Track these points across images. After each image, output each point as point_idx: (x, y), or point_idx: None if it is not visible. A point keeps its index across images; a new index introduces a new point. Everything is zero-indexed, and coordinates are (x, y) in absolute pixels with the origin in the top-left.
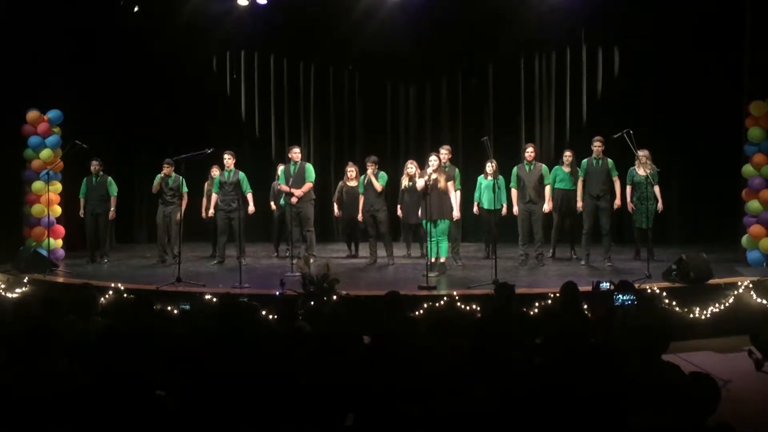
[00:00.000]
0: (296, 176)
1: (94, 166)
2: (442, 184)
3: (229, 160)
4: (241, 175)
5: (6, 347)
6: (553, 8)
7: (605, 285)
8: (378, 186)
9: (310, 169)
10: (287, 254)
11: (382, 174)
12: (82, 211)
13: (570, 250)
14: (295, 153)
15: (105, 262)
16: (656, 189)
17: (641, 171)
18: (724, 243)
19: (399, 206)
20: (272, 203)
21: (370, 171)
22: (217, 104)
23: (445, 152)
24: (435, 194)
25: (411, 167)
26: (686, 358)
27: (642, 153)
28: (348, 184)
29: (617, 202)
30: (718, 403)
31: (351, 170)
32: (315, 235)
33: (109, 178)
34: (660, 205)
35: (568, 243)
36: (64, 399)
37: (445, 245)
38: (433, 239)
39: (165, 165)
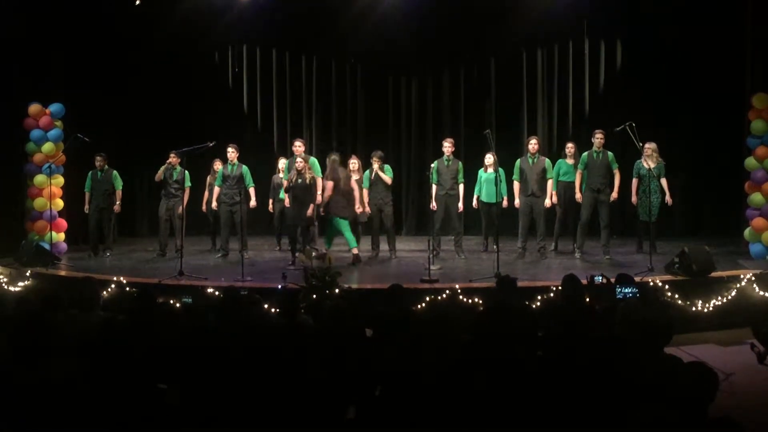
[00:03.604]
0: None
1: (99, 161)
2: (343, 183)
3: (232, 153)
4: (245, 168)
5: (7, 342)
6: (555, 1)
7: (598, 279)
8: (387, 179)
9: (316, 164)
10: (289, 247)
11: (387, 167)
12: (86, 206)
13: (573, 244)
14: (298, 146)
15: (107, 256)
16: (663, 182)
17: (646, 164)
18: (726, 236)
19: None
20: (270, 201)
21: (376, 166)
22: (219, 98)
23: (448, 145)
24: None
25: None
26: (688, 350)
27: (648, 146)
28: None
29: (614, 194)
30: (716, 390)
31: (354, 163)
32: (317, 229)
33: (115, 172)
34: (668, 198)
35: (571, 236)
36: (66, 393)
37: (349, 236)
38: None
39: (171, 155)
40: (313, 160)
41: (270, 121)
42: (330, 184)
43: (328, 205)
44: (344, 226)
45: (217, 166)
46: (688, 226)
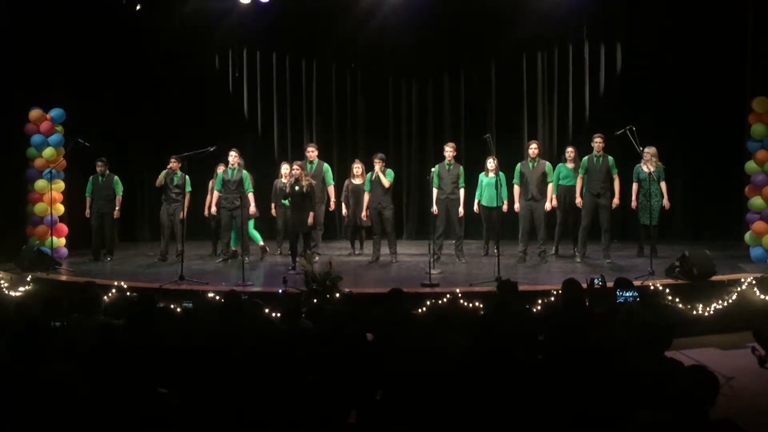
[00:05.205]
0: (313, 176)
1: (100, 166)
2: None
3: (234, 158)
4: (244, 173)
5: (8, 346)
6: (556, 4)
7: (598, 281)
8: (386, 182)
9: (329, 171)
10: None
11: (389, 171)
12: (87, 211)
13: (573, 248)
14: (311, 152)
15: (108, 260)
16: (663, 185)
17: (646, 168)
18: (727, 239)
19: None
20: (273, 205)
21: (377, 167)
22: (219, 102)
23: (449, 150)
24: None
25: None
26: (689, 354)
27: (647, 150)
28: (353, 182)
29: (616, 201)
30: (716, 394)
31: (357, 167)
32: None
33: (116, 178)
34: (666, 201)
35: (572, 240)
36: (66, 396)
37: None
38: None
39: (172, 160)
40: (326, 166)
41: (270, 125)
42: None
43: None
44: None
45: (220, 170)
46: (689, 229)
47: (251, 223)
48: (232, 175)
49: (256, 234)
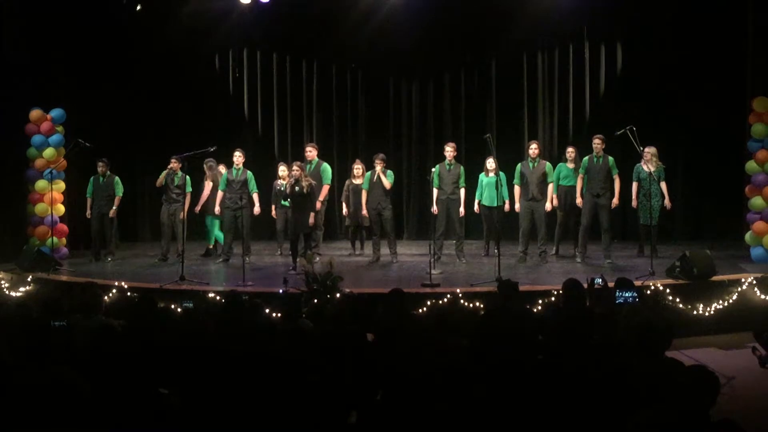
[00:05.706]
0: (312, 177)
1: (101, 167)
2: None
3: (239, 158)
4: (249, 174)
5: (8, 346)
6: (556, 4)
7: (598, 281)
8: (387, 183)
9: (327, 170)
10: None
11: (389, 172)
12: (88, 212)
13: (574, 248)
14: (310, 152)
15: (109, 261)
16: (663, 185)
17: (646, 168)
18: (727, 239)
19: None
20: (273, 207)
21: (379, 168)
22: (219, 102)
23: (450, 150)
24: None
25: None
26: (689, 354)
27: (648, 150)
28: (354, 182)
29: (615, 201)
30: (717, 394)
31: (358, 168)
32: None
33: (116, 178)
34: (667, 201)
35: (572, 240)
36: (66, 397)
37: (217, 233)
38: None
39: (173, 160)
40: (325, 166)
41: (271, 125)
42: (209, 184)
43: (206, 204)
44: (214, 224)
45: (222, 170)
46: (689, 229)
47: (216, 223)
48: (236, 176)
49: (219, 234)
